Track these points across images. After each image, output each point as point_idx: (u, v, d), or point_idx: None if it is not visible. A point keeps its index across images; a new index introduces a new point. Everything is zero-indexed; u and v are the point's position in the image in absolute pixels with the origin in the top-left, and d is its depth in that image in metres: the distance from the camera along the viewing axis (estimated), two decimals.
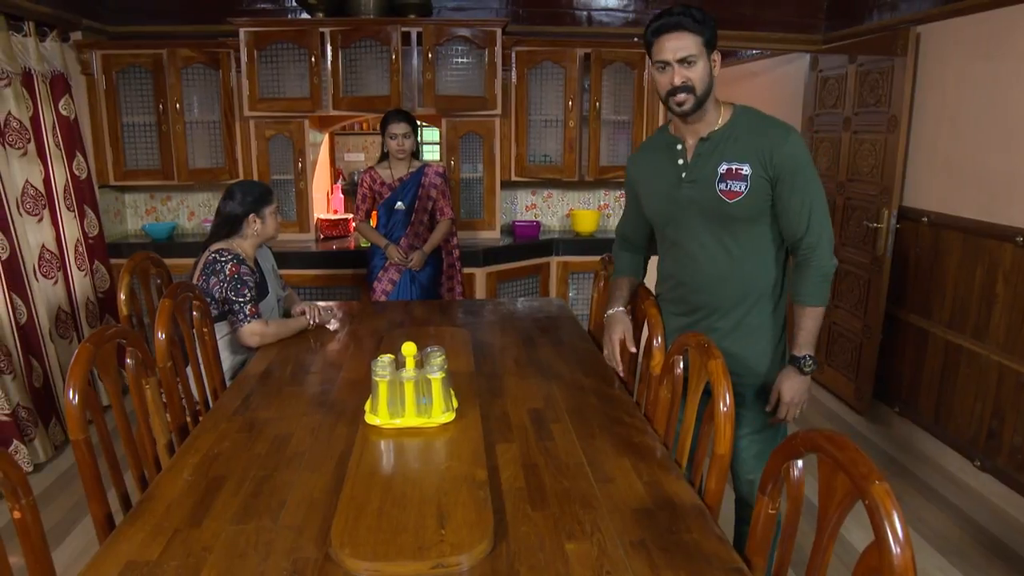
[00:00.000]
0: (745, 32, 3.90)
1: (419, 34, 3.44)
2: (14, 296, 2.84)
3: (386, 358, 1.63)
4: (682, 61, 1.56)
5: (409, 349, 1.62)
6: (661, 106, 3.79)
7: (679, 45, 1.55)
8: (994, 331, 2.73)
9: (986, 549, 2.41)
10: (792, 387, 1.65)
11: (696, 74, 1.56)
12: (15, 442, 2.75)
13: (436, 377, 1.58)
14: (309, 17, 3.53)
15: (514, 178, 3.82)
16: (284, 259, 3.47)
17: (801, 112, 4.04)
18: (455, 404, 1.65)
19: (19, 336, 2.85)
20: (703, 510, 1.31)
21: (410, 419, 1.58)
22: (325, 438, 1.59)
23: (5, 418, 2.71)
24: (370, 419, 1.59)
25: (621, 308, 1.85)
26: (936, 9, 3.02)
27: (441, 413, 1.60)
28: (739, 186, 1.61)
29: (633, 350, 1.81)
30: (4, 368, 2.74)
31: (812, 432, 1.06)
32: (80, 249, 3.26)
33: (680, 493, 1.36)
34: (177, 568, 1.13)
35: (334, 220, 3.81)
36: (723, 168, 1.62)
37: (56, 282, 3.11)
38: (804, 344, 1.65)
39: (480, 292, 3.60)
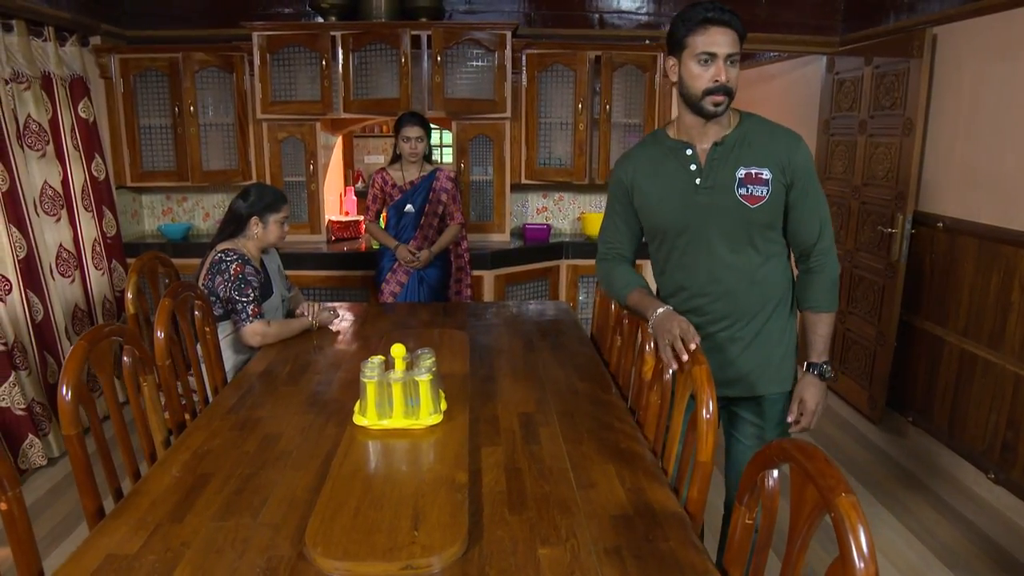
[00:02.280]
0: (761, 34, 3.85)
1: (429, 37, 3.46)
2: (31, 294, 2.92)
3: (376, 359, 1.64)
4: (728, 58, 1.50)
5: (398, 351, 1.63)
6: (672, 107, 3.77)
7: (729, 40, 1.50)
8: (1010, 340, 2.66)
9: (997, 564, 2.34)
10: (816, 395, 1.65)
11: (735, 75, 1.53)
12: (30, 436, 2.83)
13: (423, 379, 1.59)
14: (321, 21, 3.58)
15: (524, 180, 3.82)
16: (294, 260, 3.52)
17: (817, 115, 3.98)
18: (444, 406, 1.66)
19: (35, 333, 2.93)
20: (683, 518, 1.29)
21: (397, 420, 1.59)
22: (314, 438, 1.61)
23: (21, 412, 2.79)
24: (358, 420, 1.60)
25: (671, 307, 1.62)
26: (954, 10, 2.95)
27: (428, 415, 1.60)
28: (761, 191, 1.57)
29: (693, 346, 1.47)
30: (19, 364, 2.82)
31: (785, 441, 1.05)
32: (98, 248, 3.34)
33: (662, 500, 1.35)
34: (154, 563, 1.15)
35: (345, 222, 3.85)
36: (742, 173, 1.58)
37: (73, 280, 3.19)
38: (823, 350, 1.65)
39: (489, 295, 3.60)
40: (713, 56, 1.50)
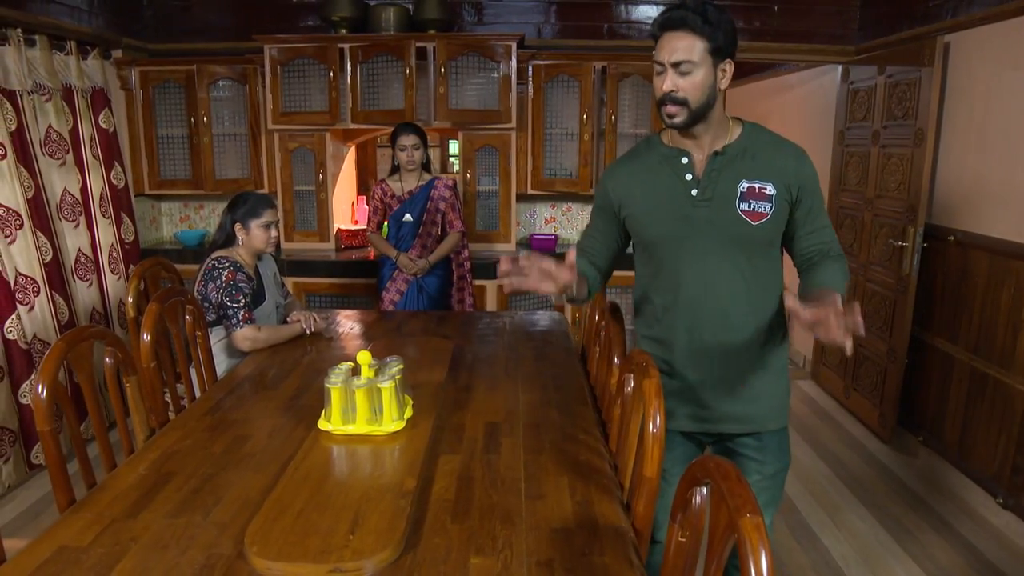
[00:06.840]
0: (775, 44, 3.79)
1: (434, 49, 3.51)
2: (56, 296, 3.05)
3: (344, 365, 1.68)
4: (676, 66, 1.38)
5: (364, 358, 1.66)
6: None
7: (677, 46, 1.38)
8: (1020, 359, 2.55)
9: None
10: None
11: (690, 84, 1.39)
12: None
13: (386, 386, 1.61)
14: (333, 34, 3.66)
15: (531, 191, 3.84)
16: (302, 267, 3.60)
17: (833, 126, 3.90)
18: (409, 414, 1.68)
19: (61, 334, 3.06)
20: (625, 534, 1.28)
21: (360, 427, 1.61)
22: (281, 441, 1.64)
23: None
24: (322, 425, 1.64)
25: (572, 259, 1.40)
26: (965, 17, 2.86)
27: (391, 422, 1.63)
28: (764, 207, 1.47)
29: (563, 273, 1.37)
30: (38, 363, 2.94)
31: (708, 459, 1.03)
32: (115, 254, 3.47)
33: (608, 515, 1.34)
34: (101, 555, 1.19)
35: (354, 230, 3.91)
36: (744, 186, 1.47)
37: (91, 284, 3.33)
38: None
39: (492, 305, 3.62)
40: (663, 65, 1.41)
